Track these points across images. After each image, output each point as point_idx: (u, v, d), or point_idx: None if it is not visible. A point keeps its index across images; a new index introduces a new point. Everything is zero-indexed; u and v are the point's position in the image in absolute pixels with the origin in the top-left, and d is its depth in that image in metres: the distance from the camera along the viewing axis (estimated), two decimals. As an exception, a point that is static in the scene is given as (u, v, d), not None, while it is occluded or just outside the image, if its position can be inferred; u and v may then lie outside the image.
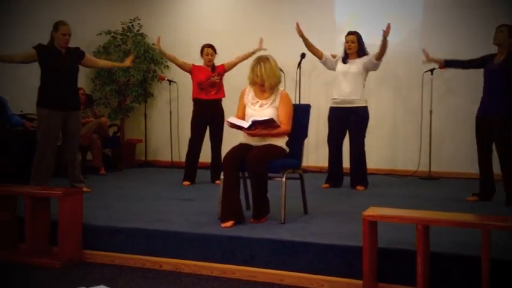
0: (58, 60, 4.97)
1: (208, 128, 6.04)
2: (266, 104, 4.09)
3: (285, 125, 4.06)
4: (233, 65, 6.03)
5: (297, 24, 5.55)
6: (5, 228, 3.88)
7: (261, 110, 4.07)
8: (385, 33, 5.29)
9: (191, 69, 6.02)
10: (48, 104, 4.94)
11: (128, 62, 5.73)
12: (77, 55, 5.17)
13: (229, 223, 3.74)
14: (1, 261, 3.73)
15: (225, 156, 3.96)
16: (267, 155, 3.88)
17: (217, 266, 3.45)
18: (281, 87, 4.19)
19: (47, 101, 4.95)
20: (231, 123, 4.03)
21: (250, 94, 4.19)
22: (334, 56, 5.73)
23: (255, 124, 3.95)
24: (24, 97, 5.81)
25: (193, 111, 6.05)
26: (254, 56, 4.66)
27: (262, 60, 4.06)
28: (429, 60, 5.37)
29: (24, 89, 5.23)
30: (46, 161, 4.96)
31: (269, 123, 3.96)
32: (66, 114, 5.02)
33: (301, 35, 5.62)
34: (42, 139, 4.97)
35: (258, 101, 4.13)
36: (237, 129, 4.05)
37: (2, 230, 3.87)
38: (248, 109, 4.16)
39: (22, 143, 5.54)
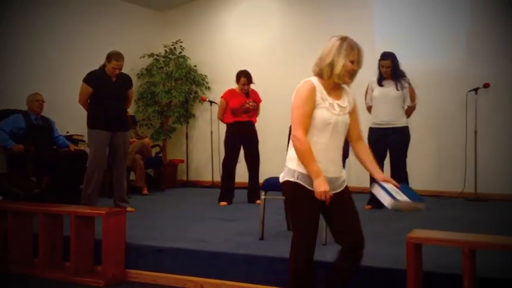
0: (108, 87, 5.16)
1: (242, 148, 6.05)
2: (345, 106, 2.87)
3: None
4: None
5: None
6: (52, 246, 3.98)
7: (344, 116, 2.86)
8: None
9: (226, 99, 5.98)
10: (96, 126, 5.11)
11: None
12: (126, 84, 5.35)
13: None
14: (47, 280, 3.82)
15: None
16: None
17: (260, 287, 3.42)
18: None
19: (96, 122, 5.12)
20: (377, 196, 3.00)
21: (320, 92, 2.80)
22: (367, 91, 5.65)
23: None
24: (72, 118, 5.99)
25: (227, 132, 6.07)
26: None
27: (354, 41, 2.83)
28: None
29: (72, 110, 5.40)
30: (95, 180, 5.09)
31: None
32: (114, 135, 5.17)
33: None
34: (92, 160, 5.12)
35: (333, 102, 2.81)
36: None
37: (50, 249, 3.97)
38: (324, 111, 2.76)
39: (66, 164, 5.68)
